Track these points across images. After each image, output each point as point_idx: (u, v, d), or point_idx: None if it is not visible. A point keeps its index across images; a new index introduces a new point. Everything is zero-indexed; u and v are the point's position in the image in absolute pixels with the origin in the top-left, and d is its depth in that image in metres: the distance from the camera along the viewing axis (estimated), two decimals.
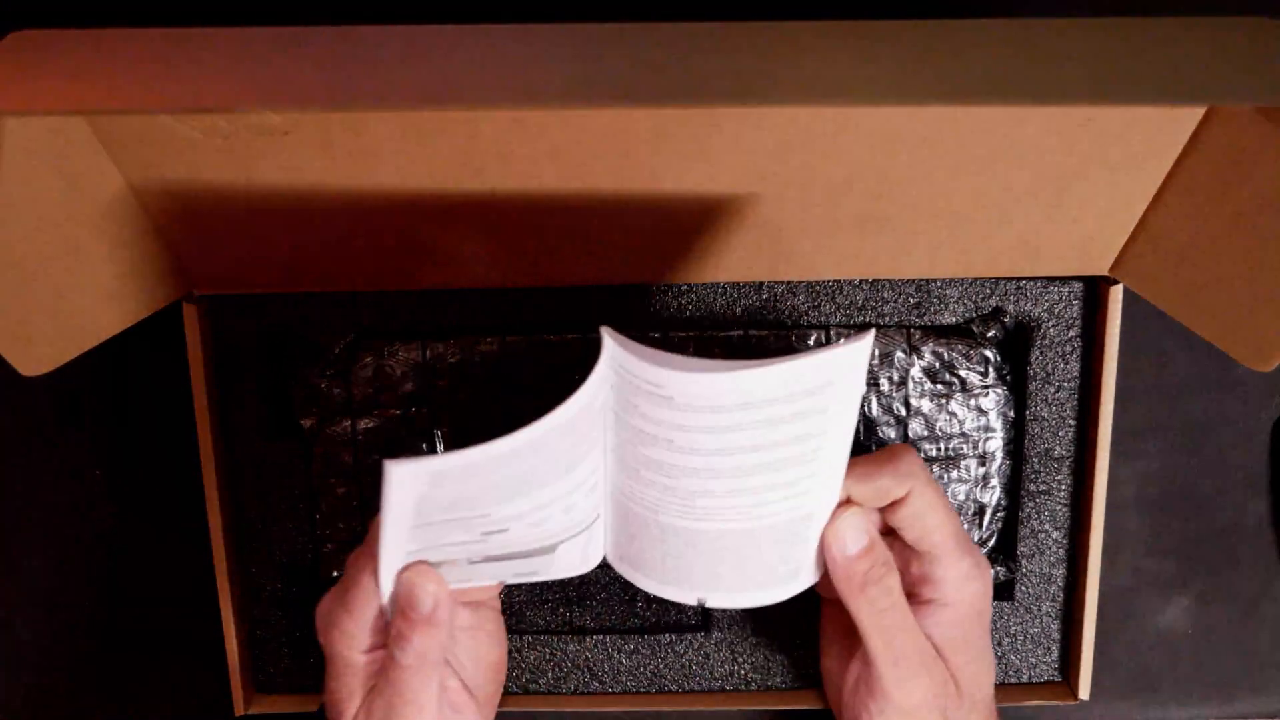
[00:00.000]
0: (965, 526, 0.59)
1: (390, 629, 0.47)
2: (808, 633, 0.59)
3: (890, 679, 0.48)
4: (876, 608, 0.47)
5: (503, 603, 0.60)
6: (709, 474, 0.44)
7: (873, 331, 0.42)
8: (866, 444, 0.58)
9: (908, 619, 0.48)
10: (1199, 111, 0.44)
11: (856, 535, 0.47)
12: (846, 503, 0.48)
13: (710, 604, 0.50)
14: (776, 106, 0.39)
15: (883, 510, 0.48)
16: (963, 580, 0.48)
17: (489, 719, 0.53)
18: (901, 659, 0.47)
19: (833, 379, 0.41)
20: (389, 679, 0.47)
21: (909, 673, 0.48)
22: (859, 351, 0.41)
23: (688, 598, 0.50)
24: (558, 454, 0.43)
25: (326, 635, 0.49)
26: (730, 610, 0.59)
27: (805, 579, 0.50)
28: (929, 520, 0.48)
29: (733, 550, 0.47)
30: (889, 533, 0.50)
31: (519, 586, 0.60)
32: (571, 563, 0.50)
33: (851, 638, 0.51)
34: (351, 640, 0.48)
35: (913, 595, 0.49)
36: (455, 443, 0.57)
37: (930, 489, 0.47)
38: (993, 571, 0.60)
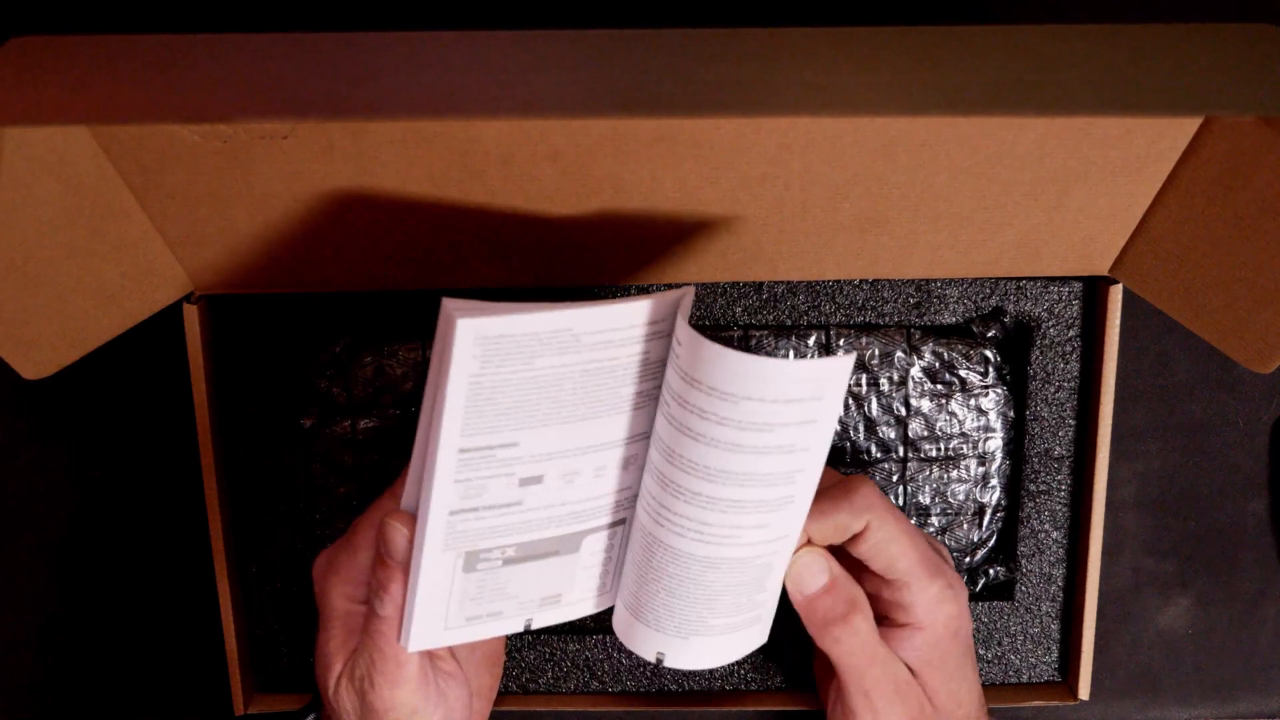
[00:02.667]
0: (965, 526, 0.59)
1: (370, 580, 0.46)
2: (807, 633, 0.59)
3: (863, 709, 0.49)
4: (842, 645, 0.48)
5: None
6: (692, 468, 0.44)
7: (854, 355, 0.43)
8: (866, 443, 0.58)
9: (877, 650, 0.48)
10: (1200, 117, 0.44)
11: (816, 574, 0.48)
12: (806, 543, 0.48)
13: (668, 662, 0.50)
14: (777, 118, 0.39)
15: (846, 543, 0.48)
16: (934, 604, 0.48)
17: (483, 713, 0.53)
18: (873, 689, 0.48)
19: (822, 393, 0.41)
20: (369, 633, 0.46)
21: (883, 703, 0.48)
22: (844, 365, 0.41)
23: (648, 651, 0.50)
24: (596, 385, 0.43)
25: (323, 583, 0.48)
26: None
27: (762, 631, 0.51)
28: (892, 550, 0.48)
29: (695, 582, 0.47)
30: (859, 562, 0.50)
31: None
32: (590, 586, 0.50)
33: None
34: (348, 588, 0.47)
35: (886, 619, 0.50)
36: None
37: (890, 518, 0.48)
38: (994, 571, 0.60)
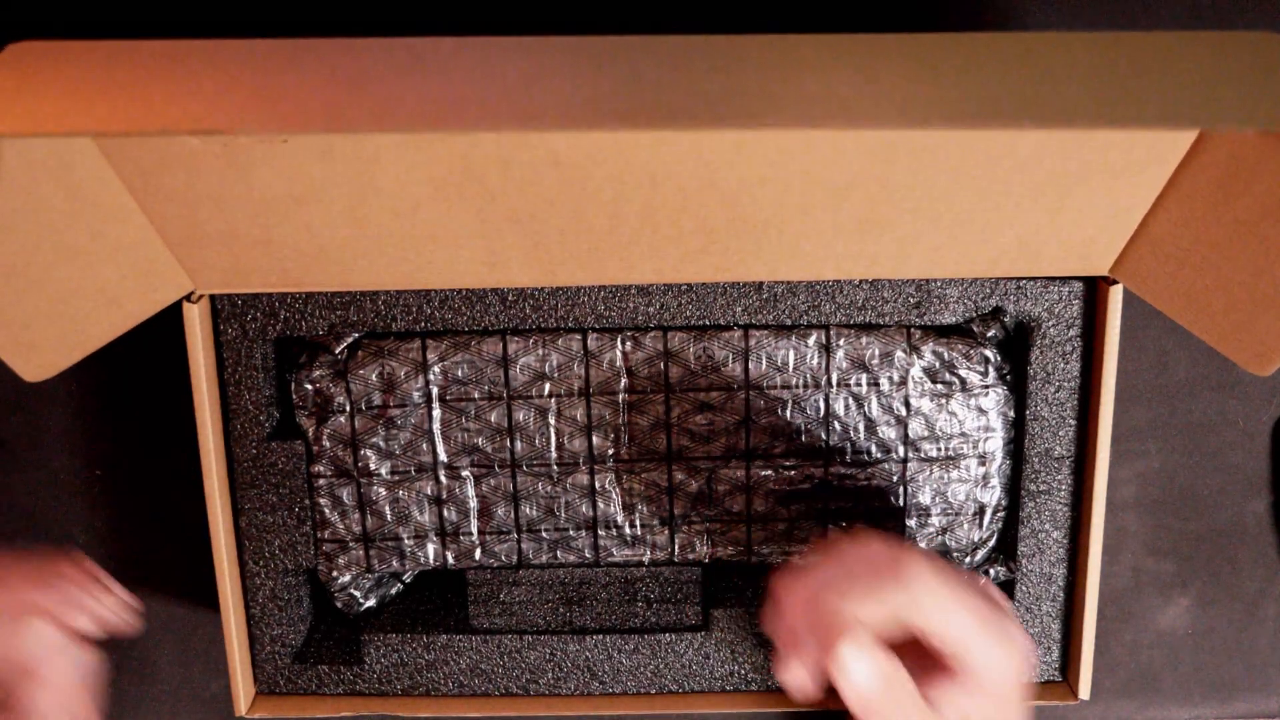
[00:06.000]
0: (965, 526, 0.59)
1: None
2: None
3: None
4: None
5: (503, 603, 0.60)
6: None
7: None
8: (867, 443, 0.58)
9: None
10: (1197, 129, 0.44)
11: (869, 674, 0.44)
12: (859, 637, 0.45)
13: None
14: (778, 130, 0.39)
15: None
16: (995, 665, 0.46)
17: None
18: None
19: None
20: None
21: None
22: None
23: None
24: None
25: None
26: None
27: None
28: (947, 622, 0.45)
29: None
30: None
31: (520, 585, 0.60)
32: None
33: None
34: None
35: (945, 669, 0.47)
36: (457, 446, 0.57)
37: (943, 591, 0.45)
38: (994, 571, 0.60)
